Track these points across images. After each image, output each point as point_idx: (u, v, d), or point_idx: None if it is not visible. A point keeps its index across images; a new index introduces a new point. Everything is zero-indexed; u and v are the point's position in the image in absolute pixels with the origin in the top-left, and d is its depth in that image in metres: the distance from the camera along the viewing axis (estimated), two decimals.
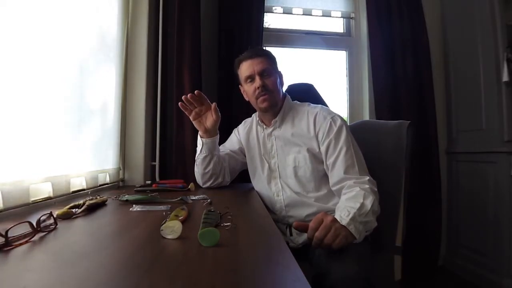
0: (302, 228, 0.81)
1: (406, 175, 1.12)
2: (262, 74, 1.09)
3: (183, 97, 1.12)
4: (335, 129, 1.03)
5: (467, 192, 1.90)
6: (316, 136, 1.07)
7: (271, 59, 1.14)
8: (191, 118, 1.15)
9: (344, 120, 1.08)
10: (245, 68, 1.12)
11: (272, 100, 1.11)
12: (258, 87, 1.09)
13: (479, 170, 1.80)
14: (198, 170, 1.22)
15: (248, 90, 1.13)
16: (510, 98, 1.65)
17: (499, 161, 1.67)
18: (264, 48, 1.22)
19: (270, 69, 1.11)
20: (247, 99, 1.18)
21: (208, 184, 1.23)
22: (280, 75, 1.17)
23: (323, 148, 1.05)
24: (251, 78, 1.11)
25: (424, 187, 1.89)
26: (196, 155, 1.21)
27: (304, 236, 0.97)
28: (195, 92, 1.12)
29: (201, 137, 1.17)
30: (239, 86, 1.20)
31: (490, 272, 1.68)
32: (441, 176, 1.95)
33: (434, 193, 1.91)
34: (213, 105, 1.13)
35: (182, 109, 1.14)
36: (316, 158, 1.07)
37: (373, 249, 0.98)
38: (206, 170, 1.20)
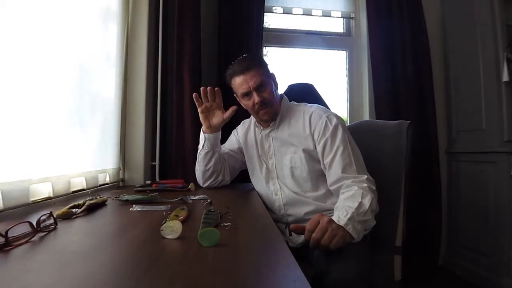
0: (299, 230, 0.81)
1: (406, 175, 1.12)
2: (258, 89, 1.07)
3: (201, 88, 1.13)
4: (330, 128, 1.03)
5: (467, 192, 1.89)
6: (312, 135, 1.06)
7: (262, 67, 1.10)
8: (199, 110, 1.15)
9: (341, 119, 1.07)
10: (239, 84, 1.09)
11: (272, 111, 1.11)
12: (257, 103, 1.08)
13: (479, 170, 1.80)
14: (199, 168, 1.22)
15: (247, 104, 1.12)
16: (510, 98, 1.65)
17: (499, 161, 1.67)
18: (252, 55, 1.16)
19: (264, 80, 1.08)
20: (245, 107, 1.16)
21: (208, 183, 1.23)
22: (273, 78, 1.15)
23: (319, 148, 1.04)
24: (248, 94, 1.09)
25: (424, 187, 1.88)
26: (198, 151, 1.21)
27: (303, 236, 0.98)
28: (216, 88, 1.14)
29: (204, 132, 1.18)
30: (234, 95, 1.17)
31: (490, 272, 1.68)
32: (441, 176, 1.95)
33: (434, 193, 1.91)
34: (233, 107, 1.15)
35: (194, 100, 1.14)
36: (312, 158, 1.06)
37: (373, 249, 0.98)
38: (207, 167, 1.20)
